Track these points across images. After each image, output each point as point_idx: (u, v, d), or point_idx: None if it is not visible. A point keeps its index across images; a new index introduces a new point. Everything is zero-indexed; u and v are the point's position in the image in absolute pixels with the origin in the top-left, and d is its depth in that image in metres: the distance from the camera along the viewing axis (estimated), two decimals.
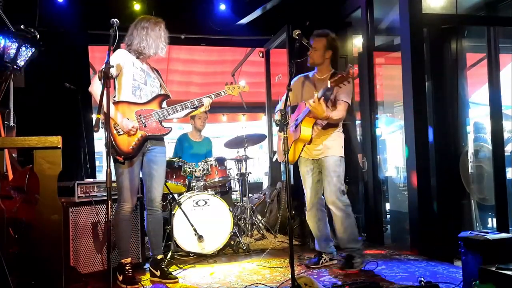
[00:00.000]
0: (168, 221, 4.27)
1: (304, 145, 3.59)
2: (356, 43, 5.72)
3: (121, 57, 3.29)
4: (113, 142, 3.18)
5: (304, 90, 3.65)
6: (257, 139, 5.33)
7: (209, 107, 3.52)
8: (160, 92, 3.47)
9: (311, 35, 3.56)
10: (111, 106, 3.14)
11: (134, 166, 3.32)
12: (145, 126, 3.29)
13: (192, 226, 4.19)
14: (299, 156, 3.68)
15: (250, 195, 5.23)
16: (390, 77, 6.28)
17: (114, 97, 3.30)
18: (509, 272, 2.45)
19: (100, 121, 2.86)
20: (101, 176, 6.74)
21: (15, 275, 2.59)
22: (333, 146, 3.59)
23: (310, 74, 3.72)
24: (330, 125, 3.57)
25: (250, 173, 5.26)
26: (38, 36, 3.25)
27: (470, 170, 4.91)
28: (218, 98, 3.54)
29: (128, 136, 3.23)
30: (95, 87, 3.19)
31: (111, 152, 3.17)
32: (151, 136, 3.35)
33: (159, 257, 3.50)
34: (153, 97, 3.38)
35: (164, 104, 3.43)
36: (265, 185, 7.73)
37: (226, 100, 8.86)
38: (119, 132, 3.21)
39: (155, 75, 3.49)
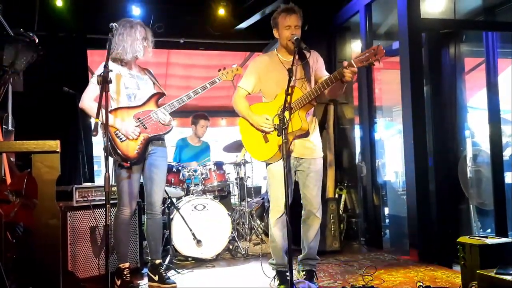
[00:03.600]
0: (166, 226, 4.26)
1: (292, 140, 3.10)
2: (355, 47, 5.74)
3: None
4: (117, 149, 3.16)
5: (275, 74, 3.15)
6: None
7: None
8: (154, 92, 3.45)
9: (283, 11, 3.09)
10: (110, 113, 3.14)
11: (135, 171, 3.31)
12: (145, 128, 3.28)
13: (191, 230, 4.18)
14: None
15: (248, 199, 5.22)
16: (388, 82, 6.31)
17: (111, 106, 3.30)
18: (508, 277, 2.45)
19: (99, 125, 2.85)
20: (99, 180, 6.73)
21: (13, 279, 2.58)
22: (320, 145, 3.25)
23: (271, 55, 3.28)
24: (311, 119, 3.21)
25: (249, 177, 5.26)
26: (37, 40, 3.25)
27: (468, 174, 4.92)
28: (214, 90, 3.60)
29: (129, 141, 3.22)
30: (86, 102, 3.21)
31: (116, 159, 3.17)
32: (154, 137, 3.33)
33: (158, 261, 3.49)
34: (149, 98, 3.36)
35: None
36: (263, 190, 7.72)
37: (225, 104, 8.87)
38: (121, 138, 3.19)
39: (147, 76, 3.47)
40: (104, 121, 2.81)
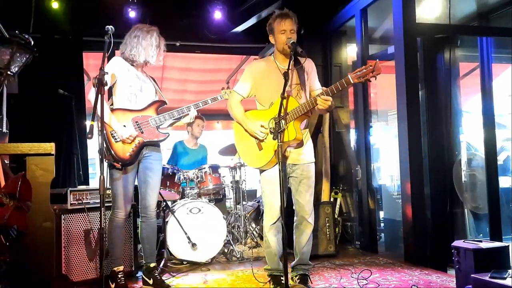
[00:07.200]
0: (161, 229, 4.24)
1: (286, 148, 3.13)
2: (350, 51, 5.76)
3: (115, 66, 3.30)
4: (110, 149, 3.17)
5: (271, 80, 3.15)
6: None
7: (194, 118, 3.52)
8: (156, 99, 3.48)
9: (278, 16, 3.11)
10: (108, 113, 3.16)
11: (129, 174, 3.31)
12: (142, 133, 3.30)
13: (186, 234, 4.17)
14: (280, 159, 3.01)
15: (244, 202, 5.22)
16: (384, 86, 6.32)
17: (112, 104, 3.31)
18: (502, 281, 2.46)
19: (95, 127, 2.85)
20: (94, 183, 6.70)
21: (6, 283, 2.56)
22: (312, 152, 3.28)
23: (267, 61, 3.26)
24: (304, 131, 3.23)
25: (245, 180, 5.25)
26: (32, 42, 3.24)
27: (463, 178, 4.93)
28: (214, 103, 3.59)
29: (123, 143, 3.22)
30: (91, 94, 3.19)
31: (108, 159, 3.17)
32: (149, 142, 3.35)
33: (152, 265, 3.48)
34: (150, 104, 3.39)
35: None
36: (258, 193, 7.72)
37: (221, 108, 8.89)
38: (116, 138, 3.21)
39: (151, 82, 3.50)
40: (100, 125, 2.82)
